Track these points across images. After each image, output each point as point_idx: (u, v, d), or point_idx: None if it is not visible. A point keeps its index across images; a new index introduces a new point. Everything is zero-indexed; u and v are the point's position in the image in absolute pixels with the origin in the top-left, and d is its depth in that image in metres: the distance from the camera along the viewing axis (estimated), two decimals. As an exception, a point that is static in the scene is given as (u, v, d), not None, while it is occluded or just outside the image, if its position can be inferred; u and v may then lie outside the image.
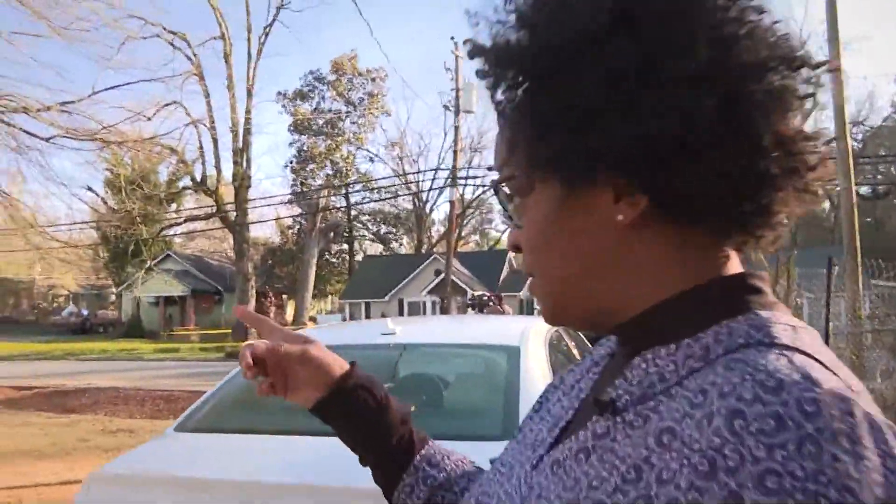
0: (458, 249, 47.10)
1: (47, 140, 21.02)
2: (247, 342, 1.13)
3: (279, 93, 48.11)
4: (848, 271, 11.34)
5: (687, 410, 0.62)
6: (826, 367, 0.63)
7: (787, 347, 0.65)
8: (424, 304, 41.42)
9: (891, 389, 9.13)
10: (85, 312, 55.08)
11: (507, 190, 0.84)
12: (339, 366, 1.13)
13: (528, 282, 0.87)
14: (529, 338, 3.77)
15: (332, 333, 5.26)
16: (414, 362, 4.21)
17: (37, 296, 64.68)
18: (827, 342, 7.78)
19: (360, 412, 1.11)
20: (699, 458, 0.58)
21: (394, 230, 55.43)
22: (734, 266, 0.78)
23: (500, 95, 0.80)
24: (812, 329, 0.72)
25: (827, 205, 39.60)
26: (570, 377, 0.98)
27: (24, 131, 20.78)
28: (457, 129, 29.12)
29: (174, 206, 45.30)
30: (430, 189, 48.65)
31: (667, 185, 0.71)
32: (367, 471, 1.14)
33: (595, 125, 0.70)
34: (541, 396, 1.01)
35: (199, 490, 2.84)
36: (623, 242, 0.76)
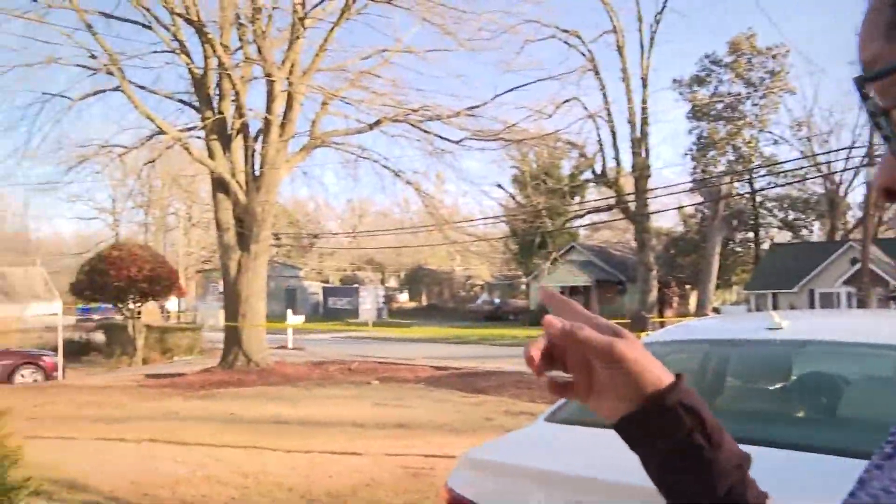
0: (878, 236, 42.96)
1: (458, 143, 22.87)
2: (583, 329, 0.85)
3: (675, 80, 47.37)
4: None
5: None
6: None
7: None
8: (838, 295, 38.50)
9: None
10: (496, 301, 58.87)
11: (880, 100, 0.52)
12: (657, 374, 0.82)
13: None
14: None
15: (709, 326, 4.97)
16: (802, 362, 3.81)
17: (456, 285, 70.21)
18: None
19: (679, 442, 0.81)
20: None
21: (803, 216, 51.91)
22: None
23: None
24: None
25: None
26: None
27: (439, 136, 22.87)
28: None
29: (577, 198, 46.58)
30: (844, 170, 44.95)
31: None
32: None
33: None
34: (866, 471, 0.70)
35: (561, 485, 2.79)
36: None
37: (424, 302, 69.36)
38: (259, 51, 20.84)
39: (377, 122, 22.00)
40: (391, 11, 21.66)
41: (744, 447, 0.83)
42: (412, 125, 22.38)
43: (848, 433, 3.05)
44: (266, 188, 21.35)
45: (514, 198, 42.81)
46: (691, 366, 4.15)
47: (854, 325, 4.39)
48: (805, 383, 3.70)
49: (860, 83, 0.51)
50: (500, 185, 40.83)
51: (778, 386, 3.82)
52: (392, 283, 74.03)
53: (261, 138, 21.98)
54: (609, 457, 2.95)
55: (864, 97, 0.52)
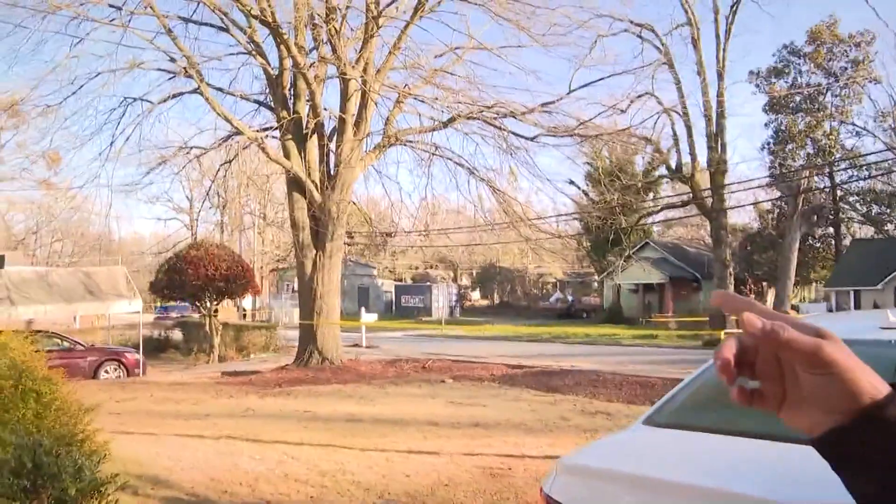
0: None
1: (532, 139, 22.71)
2: (732, 331, 0.73)
3: (751, 72, 46.20)
4: None
5: None
6: None
7: None
8: (932, 293, 37.24)
9: None
10: (570, 298, 58.52)
11: None
12: (872, 382, 0.71)
13: None
14: None
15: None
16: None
17: (529, 283, 69.90)
18: None
19: None
20: None
21: (888, 210, 50.18)
22: None
23: None
24: None
25: None
26: None
27: (513, 133, 22.74)
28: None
29: (651, 195, 45.91)
30: (933, 162, 43.32)
31: None
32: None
33: None
34: None
35: (663, 493, 2.70)
36: None
37: (497, 300, 69.24)
38: (333, 50, 20.98)
39: (451, 120, 21.97)
40: (465, 8, 21.60)
41: None
42: (486, 122, 22.28)
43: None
44: (341, 187, 21.52)
45: (587, 194, 42.44)
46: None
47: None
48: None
49: None
50: (572, 182, 40.54)
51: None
52: (464, 280, 74.05)
53: (335, 137, 22.18)
54: (712, 463, 2.91)
55: None
